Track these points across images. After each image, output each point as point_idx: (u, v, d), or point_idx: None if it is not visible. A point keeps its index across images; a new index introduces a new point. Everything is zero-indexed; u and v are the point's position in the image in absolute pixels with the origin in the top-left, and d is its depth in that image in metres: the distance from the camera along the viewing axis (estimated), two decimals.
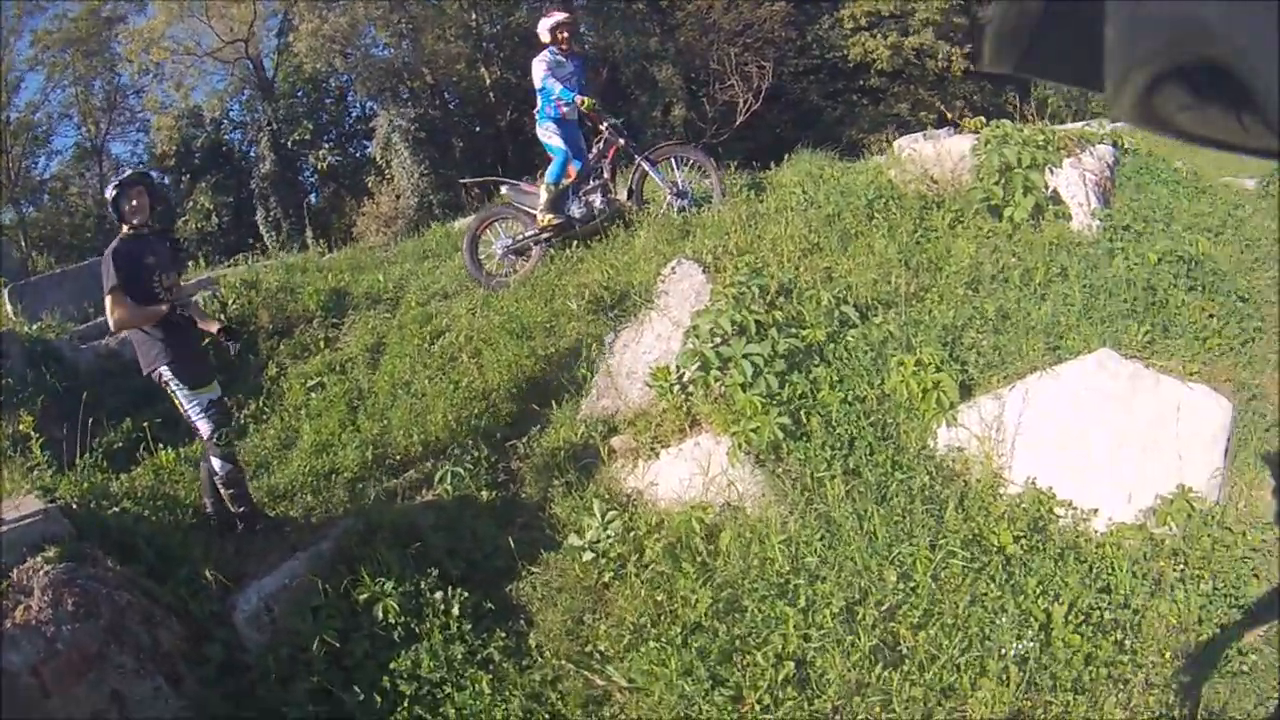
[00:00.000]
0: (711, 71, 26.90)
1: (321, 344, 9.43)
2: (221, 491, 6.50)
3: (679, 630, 5.02)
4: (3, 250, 14.27)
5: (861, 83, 30.55)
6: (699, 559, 5.40)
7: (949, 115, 11.95)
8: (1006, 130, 8.11)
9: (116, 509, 6.48)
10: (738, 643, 4.93)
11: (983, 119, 8.72)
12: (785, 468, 5.78)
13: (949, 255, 7.36)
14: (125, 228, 6.54)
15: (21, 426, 7.37)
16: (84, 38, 32.19)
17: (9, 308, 10.97)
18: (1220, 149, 0.79)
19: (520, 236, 9.41)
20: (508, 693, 4.95)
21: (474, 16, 31.25)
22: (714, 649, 4.87)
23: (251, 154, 32.05)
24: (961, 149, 8.33)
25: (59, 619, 5.13)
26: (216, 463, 6.44)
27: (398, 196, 27.16)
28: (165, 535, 6.29)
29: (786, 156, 10.41)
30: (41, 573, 5.34)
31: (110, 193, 6.64)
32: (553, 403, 6.88)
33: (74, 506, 6.25)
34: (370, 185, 28.39)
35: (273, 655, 5.43)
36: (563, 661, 5.11)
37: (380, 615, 5.35)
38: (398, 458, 7.09)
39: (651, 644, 4.97)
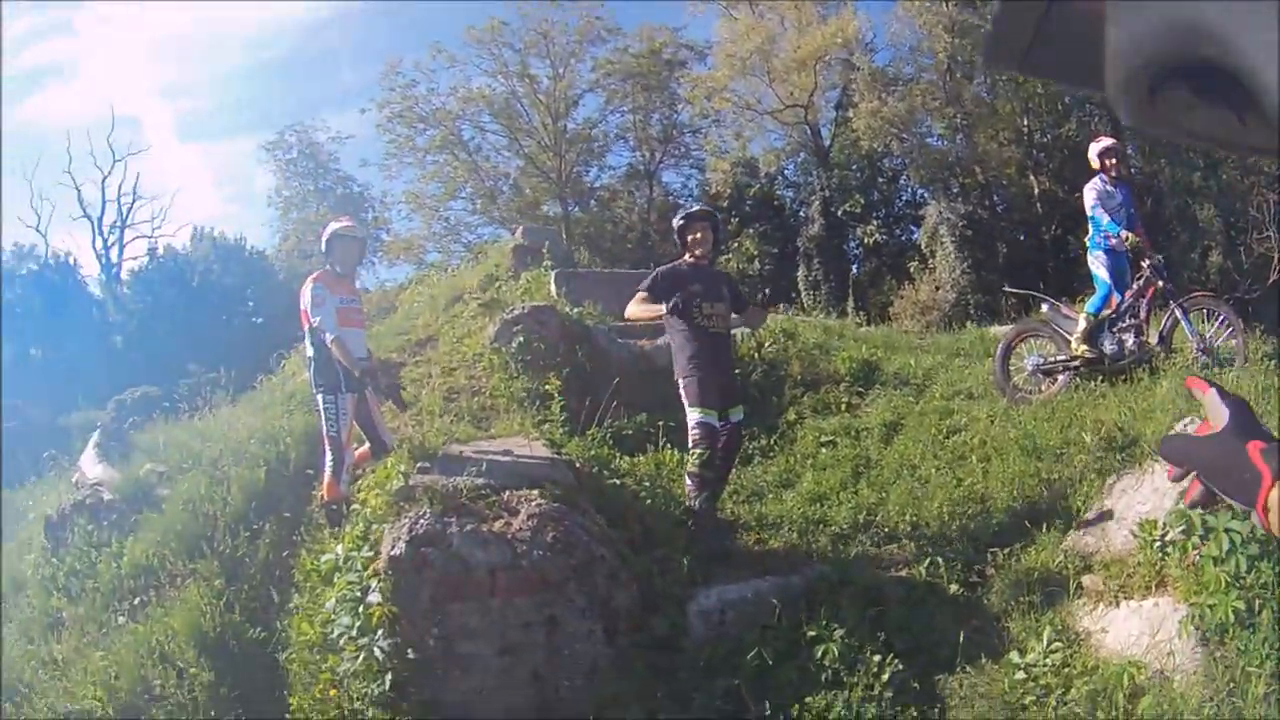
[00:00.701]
0: (1250, 219, 24.93)
1: (843, 407, 9.79)
2: (687, 495, 6.98)
3: None
4: (551, 239, 15.82)
5: None
6: (1113, 715, 5.12)
7: None
8: None
9: (616, 481, 7.12)
10: None
11: None
12: (1224, 653, 5.41)
13: None
14: (687, 255, 7.18)
15: (548, 386, 8.27)
16: (644, 73, 35.44)
17: (553, 289, 12.17)
18: (1222, 149, 0.78)
19: (1052, 358, 9.20)
20: None
21: (1025, 121, 31.12)
22: None
23: (801, 214, 33.42)
24: None
25: (535, 543, 5.79)
26: (687, 476, 6.94)
27: (937, 287, 27.30)
28: (654, 517, 6.84)
29: None
30: (533, 502, 6.04)
31: (678, 222, 7.27)
32: (1043, 525, 6.70)
33: (577, 465, 6.93)
34: (912, 270, 28.74)
35: (709, 649, 5.83)
36: None
37: (818, 655, 5.55)
38: (885, 530, 7.20)
39: None
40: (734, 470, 7.79)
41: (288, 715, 6.03)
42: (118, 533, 8.90)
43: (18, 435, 23.00)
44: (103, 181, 42.87)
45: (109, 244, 43.29)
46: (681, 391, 7.01)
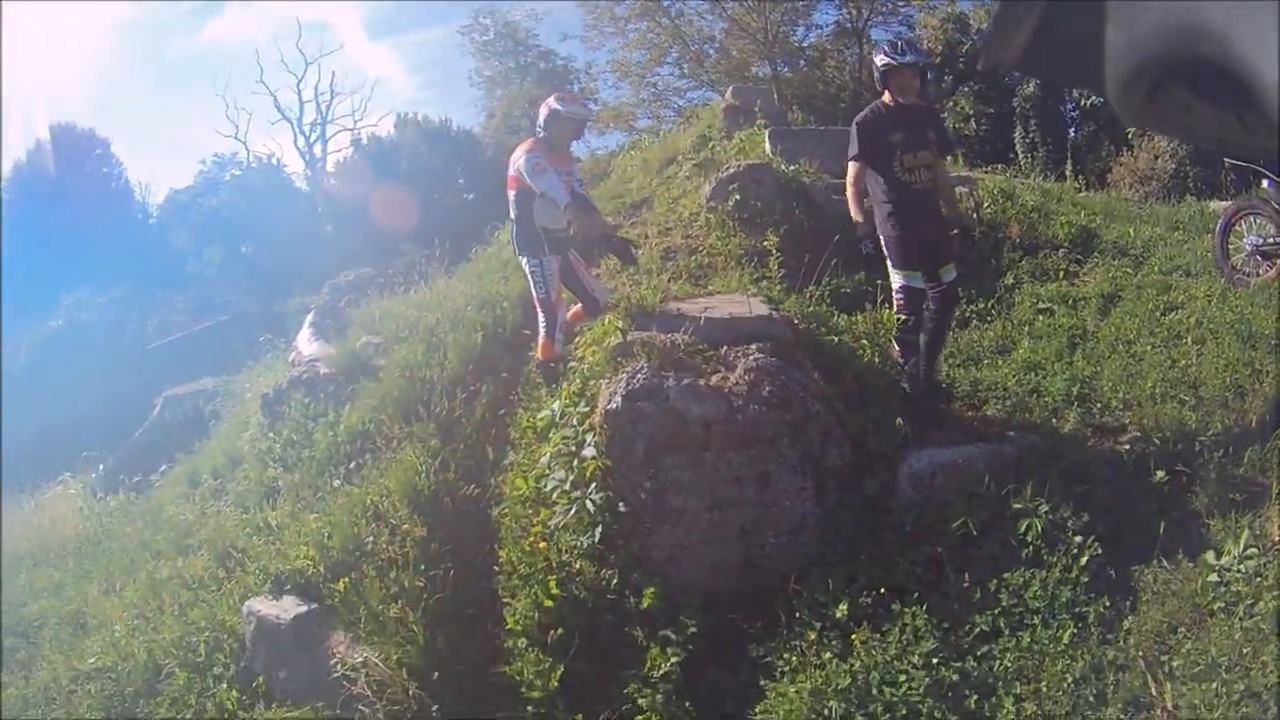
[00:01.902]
0: None
1: (1061, 274, 9.47)
2: (897, 360, 6.95)
3: (1241, 688, 4.57)
4: (763, 98, 15.47)
5: None
6: None
7: None
8: None
9: (834, 338, 7.06)
10: None
11: None
12: None
13: None
14: (886, 98, 6.88)
15: (766, 244, 8.29)
16: None
17: (768, 146, 11.88)
18: (1222, 148, 0.79)
19: (1271, 239, 8.67)
20: (1078, 653, 4.96)
21: None
22: None
23: (1015, 73, 31.86)
24: None
25: (751, 398, 5.87)
26: (894, 340, 6.91)
27: (1156, 156, 25.57)
28: (871, 376, 6.77)
29: None
30: (750, 357, 6.11)
31: (881, 61, 6.89)
32: (1251, 420, 6.41)
33: (795, 322, 6.93)
34: (1130, 137, 26.91)
35: (916, 513, 5.87)
36: (1138, 656, 4.93)
37: (1020, 530, 5.53)
38: (1098, 405, 6.94)
39: (1214, 685, 4.62)
40: (951, 333, 7.68)
41: (496, 567, 6.31)
42: (334, 403, 9.35)
43: (231, 327, 24.54)
44: (298, 84, 44.19)
45: (311, 141, 44.80)
46: (884, 250, 6.85)
